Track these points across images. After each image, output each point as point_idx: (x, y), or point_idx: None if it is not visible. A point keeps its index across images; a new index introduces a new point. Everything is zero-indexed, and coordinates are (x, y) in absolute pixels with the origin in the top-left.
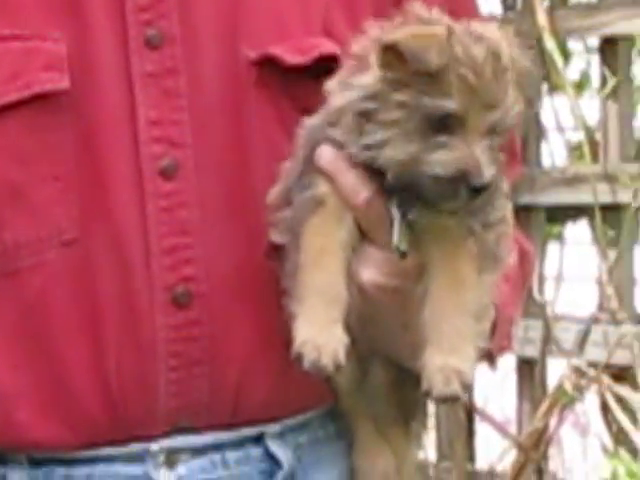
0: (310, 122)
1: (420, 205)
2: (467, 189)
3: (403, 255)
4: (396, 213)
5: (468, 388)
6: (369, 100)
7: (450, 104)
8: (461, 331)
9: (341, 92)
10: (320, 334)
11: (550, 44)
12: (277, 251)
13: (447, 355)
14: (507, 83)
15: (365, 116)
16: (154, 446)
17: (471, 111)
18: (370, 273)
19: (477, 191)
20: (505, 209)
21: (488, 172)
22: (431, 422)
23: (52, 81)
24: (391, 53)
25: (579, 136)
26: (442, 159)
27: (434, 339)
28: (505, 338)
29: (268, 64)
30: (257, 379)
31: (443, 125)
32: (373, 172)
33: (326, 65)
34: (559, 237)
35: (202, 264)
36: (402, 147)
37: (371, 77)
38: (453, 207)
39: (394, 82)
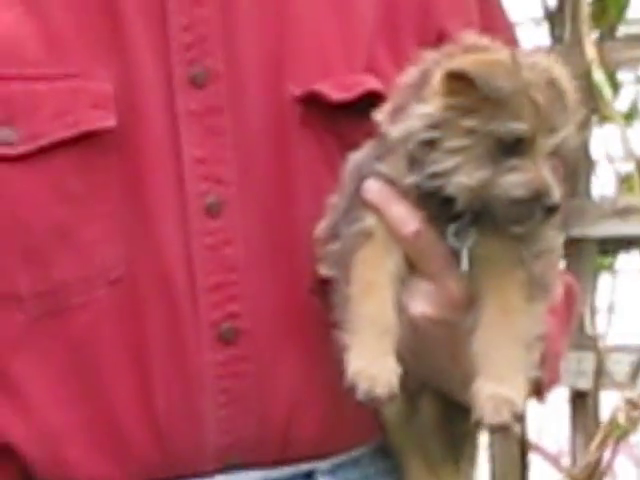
0: (356, 156)
1: (477, 233)
2: (541, 209)
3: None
4: (456, 242)
5: (519, 418)
6: (433, 128)
7: (522, 127)
8: (511, 360)
9: (395, 123)
10: (373, 364)
11: (599, 76)
12: (324, 285)
13: (497, 384)
14: (566, 107)
15: (429, 145)
16: None
17: (539, 134)
18: (420, 305)
19: (550, 211)
20: (555, 239)
21: (557, 192)
22: (485, 456)
23: (99, 120)
24: (457, 80)
25: (629, 167)
26: (516, 181)
27: (484, 368)
28: (553, 372)
29: (313, 101)
30: (306, 414)
31: (513, 149)
32: (426, 202)
33: (370, 101)
34: (611, 268)
35: (247, 301)
36: (473, 173)
37: (434, 105)
38: (524, 230)
39: (460, 109)
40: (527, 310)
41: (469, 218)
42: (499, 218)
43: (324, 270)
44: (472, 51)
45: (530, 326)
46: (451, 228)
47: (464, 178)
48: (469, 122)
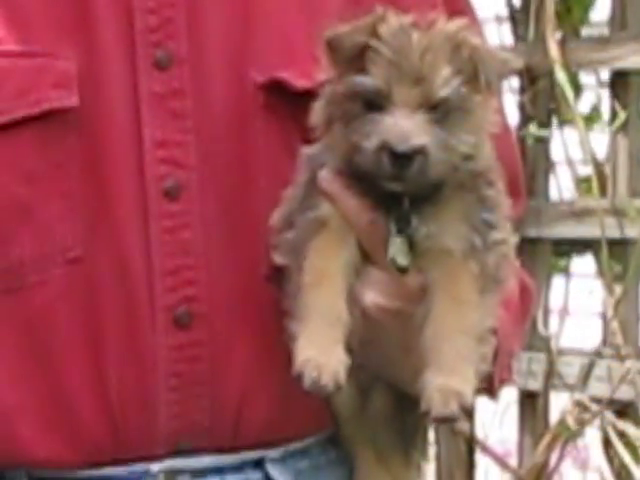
0: (309, 150)
1: (417, 219)
2: (390, 157)
3: (402, 270)
4: (392, 227)
5: (467, 410)
6: (331, 105)
7: (369, 81)
8: (461, 352)
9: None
10: (321, 354)
11: (561, 76)
12: (278, 273)
13: (447, 376)
14: (439, 61)
15: (335, 122)
16: (154, 467)
17: (395, 86)
18: (373, 295)
19: (403, 158)
20: (506, 232)
21: (416, 140)
22: (431, 453)
23: (61, 99)
24: (329, 49)
25: (587, 170)
26: (367, 132)
27: (434, 360)
28: (506, 370)
29: (276, 88)
30: (258, 401)
31: (375, 105)
32: (370, 188)
33: None
34: (565, 270)
35: (204, 285)
36: (346, 136)
37: (328, 81)
38: (391, 184)
39: (335, 78)
40: (479, 302)
41: (407, 204)
42: (362, 176)
43: (278, 259)
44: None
45: (481, 318)
46: (392, 216)
47: (342, 143)
48: (340, 88)
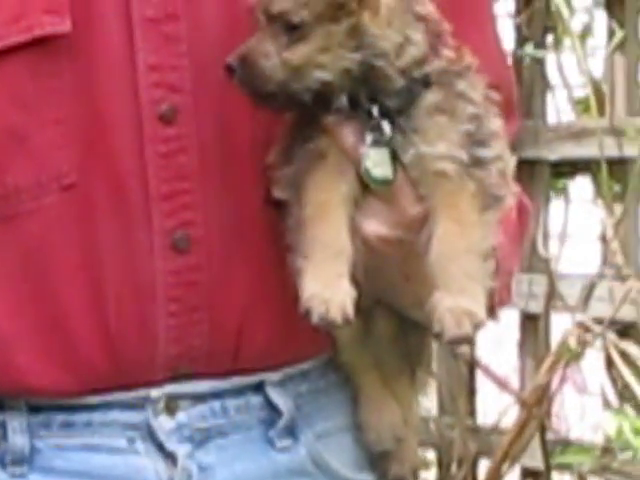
0: None
1: (395, 131)
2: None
3: (382, 183)
4: (367, 139)
5: (479, 328)
6: None
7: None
8: (469, 271)
9: None
10: (327, 288)
11: None
12: (279, 207)
13: (456, 296)
14: None
15: None
16: (154, 392)
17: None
18: (374, 225)
19: (228, 69)
20: (499, 148)
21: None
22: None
23: (53, 24)
24: None
25: (585, 91)
26: None
27: (442, 281)
28: (505, 290)
29: None
30: (257, 325)
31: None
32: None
33: None
34: (563, 193)
35: (201, 209)
36: None
37: None
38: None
39: None
40: (480, 221)
41: (377, 113)
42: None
43: (278, 193)
44: None
45: (484, 237)
46: (368, 137)
47: None
48: None
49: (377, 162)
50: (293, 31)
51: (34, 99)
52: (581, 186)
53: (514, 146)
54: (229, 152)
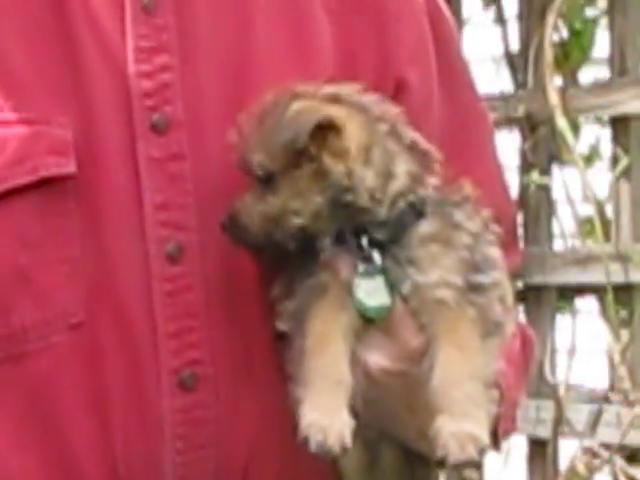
0: None
1: (387, 260)
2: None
3: (375, 312)
4: (358, 268)
5: (483, 452)
6: None
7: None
8: (472, 396)
9: None
10: (325, 417)
11: (562, 122)
12: (281, 339)
13: (460, 421)
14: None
15: None
16: None
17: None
18: (376, 357)
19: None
20: (498, 276)
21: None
22: None
23: (58, 165)
24: None
25: (589, 210)
26: None
27: (445, 406)
28: (510, 421)
29: None
30: (264, 462)
31: None
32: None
33: None
34: (570, 309)
35: (208, 347)
36: None
37: None
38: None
39: None
40: (482, 347)
41: (367, 244)
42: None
43: (281, 326)
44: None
45: (486, 362)
46: (360, 268)
47: None
48: None
49: (370, 291)
50: (266, 183)
51: (40, 239)
52: (587, 302)
53: (518, 274)
54: (235, 288)
